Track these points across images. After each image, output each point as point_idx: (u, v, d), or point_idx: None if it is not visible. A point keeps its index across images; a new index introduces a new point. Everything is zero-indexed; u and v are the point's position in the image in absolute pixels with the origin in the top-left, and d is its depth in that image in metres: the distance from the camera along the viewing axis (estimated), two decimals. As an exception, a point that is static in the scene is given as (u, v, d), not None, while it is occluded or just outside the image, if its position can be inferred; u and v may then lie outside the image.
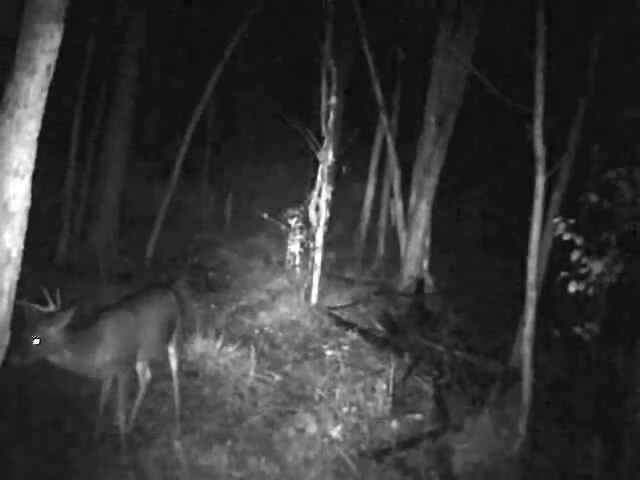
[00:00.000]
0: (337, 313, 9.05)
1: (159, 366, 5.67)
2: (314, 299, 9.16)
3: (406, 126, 12.95)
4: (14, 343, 3.82)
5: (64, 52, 3.73)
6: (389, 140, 11.68)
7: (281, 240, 10.81)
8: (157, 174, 12.93)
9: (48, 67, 3.63)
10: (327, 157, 9.27)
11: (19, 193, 3.64)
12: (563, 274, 5.02)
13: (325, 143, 9.28)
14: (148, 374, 5.42)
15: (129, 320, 4.84)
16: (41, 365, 4.37)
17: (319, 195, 9.36)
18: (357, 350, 7.73)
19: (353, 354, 7.60)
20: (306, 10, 10.51)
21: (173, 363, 5.47)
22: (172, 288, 5.67)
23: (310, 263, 9.46)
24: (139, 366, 5.30)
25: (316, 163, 9.55)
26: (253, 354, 6.68)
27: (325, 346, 7.79)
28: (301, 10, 11.34)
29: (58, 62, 3.69)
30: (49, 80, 3.67)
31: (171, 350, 5.42)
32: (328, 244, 9.86)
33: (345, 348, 7.73)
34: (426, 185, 10.71)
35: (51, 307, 4.34)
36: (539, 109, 5.38)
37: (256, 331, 7.94)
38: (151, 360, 5.39)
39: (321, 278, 9.35)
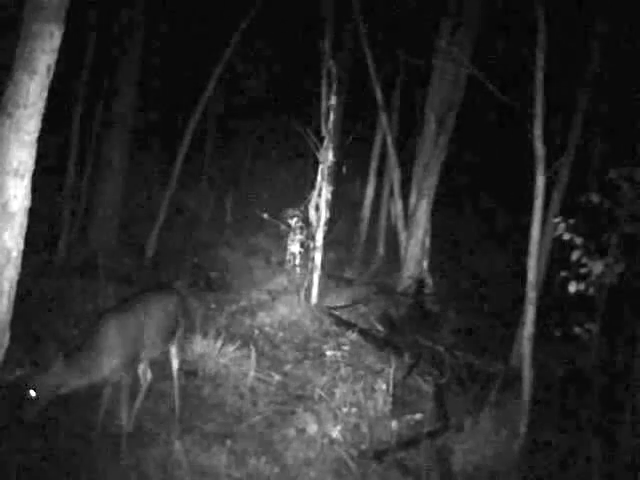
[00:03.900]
0: (337, 313, 9.04)
1: (159, 366, 5.67)
2: (314, 299, 9.15)
3: (406, 126, 12.95)
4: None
5: (64, 52, 3.74)
6: (389, 140, 11.67)
7: (281, 240, 10.80)
8: (157, 174, 12.93)
9: (48, 67, 3.64)
10: (327, 157, 9.27)
11: (19, 193, 3.65)
12: (563, 274, 5.02)
13: (325, 143, 9.28)
14: (149, 374, 5.42)
15: (131, 321, 4.83)
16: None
17: (319, 195, 9.36)
18: (357, 350, 7.73)
19: (353, 354, 7.60)
20: (306, 10, 10.50)
21: (174, 363, 5.47)
22: (174, 288, 5.67)
23: (310, 263, 9.45)
24: (140, 366, 5.30)
25: (316, 163, 9.55)
26: (253, 354, 6.68)
27: (325, 346, 7.79)
28: (301, 10, 11.34)
29: (58, 62, 3.69)
30: (49, 80, 3.68)
31: (173, 350, 5.42)
32: (328, 244, 9.86)
33: (345, 348, 7.73)
34: (426, 185, 10.70)
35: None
36: (539, 109, 5.38)
37: (256, 331, 7.94)
38: (151, 360, 5.39)
39: (321, 278, 9.35)
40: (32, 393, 4.17)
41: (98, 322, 4.68)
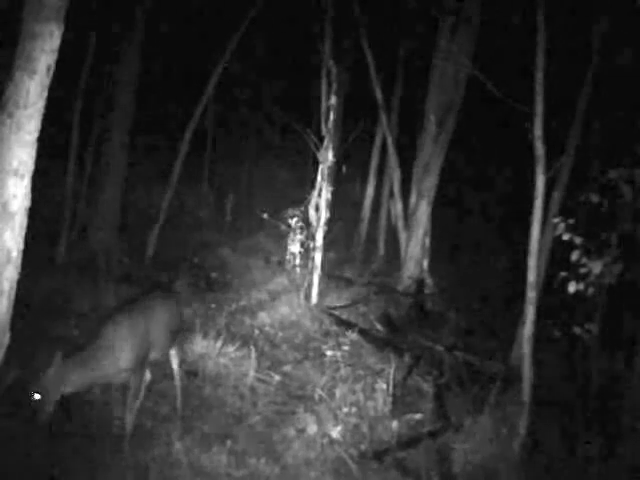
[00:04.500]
0: (337, 313, 9.04)
1: (159, 366, 5.66)
2: (314, 299, 9.15)
3: (406, 126, 12.96)
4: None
5: (64, 52, 3.74)
6: (389, 140, 11.68)
7: (281, 240, 10.81)
8: (157, 174, 12.93)
9: (48, 67, 3.64)
10: (327, 157, 9.27)
11: (19, 193, 3.65)
12: (563, 274, 5.02)
13: (325, 143, 9.28)
14: (148, 375, 5.41)
15: (139, 322, 4.81)
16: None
17: (319, 195, 9.36)
18: (357, 350, 7.73)
19: (353, 354, 7.59)
20: (306, 10, 10.50)
21: (174, 363, 5.48)
22: (174, 290, 5.68)
23: (310, 263, 9.45)
24: None
25: (316, 163, 9.55)
26: (253, 354, 6.68)
27: (325, 346, 7.79)
28: (301, 10, 11.34)
29: (58, 62, 3.69)
30: (49, 80, 3.68)
31: (173, 351, 5.43)
32: (328, 244, 9.86)
33: (345, 348, 7.73)
34: (426, 185, 10.71)
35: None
36: (539, 109, 5.38)
37: (256, 331, 7.94)
38: (152, 361, 5.39)
39: (321, 278, 9.35)
40: (36, 396, 4.16)
41: (105, 321, 4.65)
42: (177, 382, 5.50)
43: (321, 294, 9.31)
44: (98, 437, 4.91)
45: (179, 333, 5.42)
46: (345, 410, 5.87)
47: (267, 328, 8.13)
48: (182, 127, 11.03)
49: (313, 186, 9.53)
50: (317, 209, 9.39)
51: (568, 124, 7.78)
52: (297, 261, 10.32)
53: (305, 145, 9.68)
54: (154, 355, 5.11)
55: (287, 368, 6.98)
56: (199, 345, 6.71)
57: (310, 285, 9.21)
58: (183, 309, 5.64)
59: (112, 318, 4.69)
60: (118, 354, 4.57)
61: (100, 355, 4.49)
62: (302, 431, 5.53)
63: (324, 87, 9.50)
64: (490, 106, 8.12)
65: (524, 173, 6.19)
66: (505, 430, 5.48)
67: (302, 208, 9.99)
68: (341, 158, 10.63)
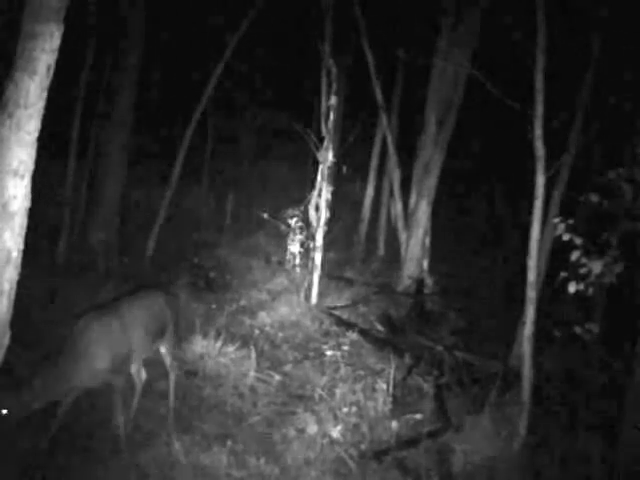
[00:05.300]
0: (337, 313, 9.04)
1: (157, 366, 5.66)
2: (314, 299, 9.15)
3: (406, 126, 12.96)
4: None
5: (64, 52, 3.73)
6: (389, 140, 11.68)
7: (281, 240, 10.81)
8: (157, 174, 12.93)
9: (48, 67, 3.64)
10: (327, 157, 9.27)
11: (19, 193, 3.64)
12: (563, 274, 5.02)
13: (325, 143, 9.28)
14: (143, 374, 5.40)
15: (113, 323, 4.74)
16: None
17: (319, 195, 9.36)
18: (357, 350, 7.73)
19: (353, 354, 7.59)
20: (306, 10, 10.50)
21: (167, 362, 5.46)
22: (160, 288, 5.64)
23: (310, 263, 9.46)
24: (133, 368, 5.26)
25: (316, 163, 9.55)
26: (253, 354, 6.68)
27: (325, 346, 7.79)
28: (301, 9, 11.34)
29: (58, 62, 3.69)
30: (49, 80, 3.68)
31: (163, 350, 5.40)
32: (328, 244, 9.86)
33: (345, 348, 7.73)
34: (426, 185, 10.71)
35: None
36: (539, 109, 5.38)
37: (256, 331, 7.94)
38: (146, 360, 5.37)
39: (321, 278, 9.35)
40: (4, 412, 4.08)
41: (76, 326, 4.58)
42: (171, 379, 5.48)
43: (321, 294, 9.31)
44: (98, 437, 4.91)
45: (166, 330, 5.34)
46: (345, 410, 5.87)
47: (267, 328, 8.13)
48: (182, 127, 11.03)
49: (313, 186, 9.53)
50: (317, 209, 9.40)
51: (568, 124, 7.78)
52: (297, 261, 10.33)
53: (305, 145, 9.68)
54: (140, 354, 5.06)
55: (287, 368, 6.98)
56: (199, 345, 6.71)
57: (310, 285, 9.21)
58: (174, 305, 5.57)
59: (82, 321, 4.61)
60: (92, 356, 4.51)
61: (73, 362, 4.43)
62: (302, 431, 5.53)
63: (324, 87, 9.51)
64: (490, 106, 8.12)
65: (524, 172, 6.19)
66: (505, 430, 5.49)
67: (302, 208, 9.99)
68: (341, 158, 10.62)
